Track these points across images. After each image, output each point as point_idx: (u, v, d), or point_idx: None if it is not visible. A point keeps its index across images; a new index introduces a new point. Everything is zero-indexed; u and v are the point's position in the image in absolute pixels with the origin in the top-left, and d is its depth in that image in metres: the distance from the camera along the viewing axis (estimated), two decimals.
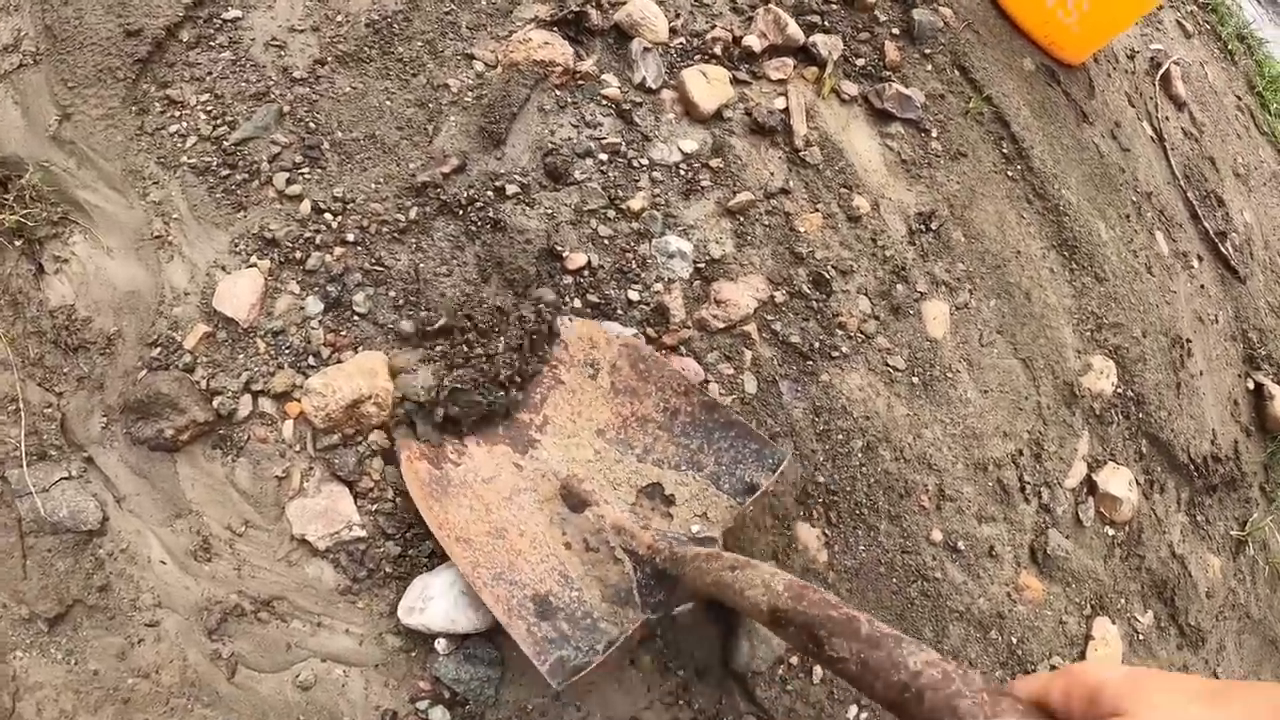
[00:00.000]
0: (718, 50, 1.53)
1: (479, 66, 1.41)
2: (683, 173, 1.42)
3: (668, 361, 1.23)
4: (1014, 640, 1.46)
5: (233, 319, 1.17)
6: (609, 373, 1.22)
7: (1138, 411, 1.79)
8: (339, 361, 1.18)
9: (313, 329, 1.20)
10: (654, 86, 1.45)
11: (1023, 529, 1.53)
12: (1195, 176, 2.40)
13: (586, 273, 1.30)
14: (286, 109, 1.30)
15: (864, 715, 1.26)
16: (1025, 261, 1.72)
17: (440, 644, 1.07)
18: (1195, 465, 1.91)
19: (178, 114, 1.28)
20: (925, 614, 1.36)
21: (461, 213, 1.30)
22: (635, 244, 1.35)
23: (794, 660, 1.23)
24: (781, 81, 1.56)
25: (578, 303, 1.30)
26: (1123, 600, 1.66)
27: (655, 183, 1.40)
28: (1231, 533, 2.00)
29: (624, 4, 1.49)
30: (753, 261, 1.41)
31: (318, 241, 1.24)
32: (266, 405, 1.15)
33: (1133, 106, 2.29)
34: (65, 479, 1.12)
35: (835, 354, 1.40)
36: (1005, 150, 1.81)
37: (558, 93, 1.41)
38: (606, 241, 1.33)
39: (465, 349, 1.18)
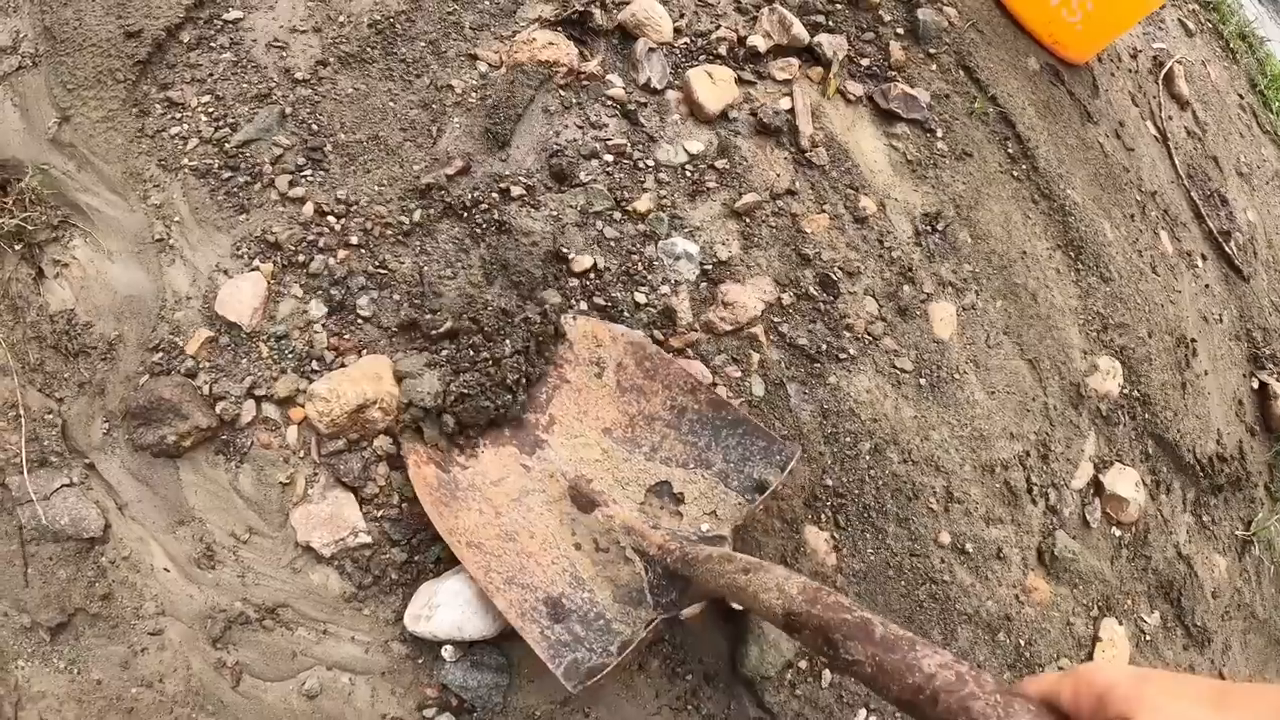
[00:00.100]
0: (722, 50, 1.52)
1: (483, 67, 1.40)
2: (688, 174, 1.41)
3: (673, 359, 1.22)
4: (1022, 642, 1.45)
5: (235, 323, 1.16)
6: (615, 371, 1.21)
7: (1144, 412, 1.79)
8: (343, 366, 1.16)
9: (316, 333, 1.18)
10: (659, 87, 1.44)
11: (1030, 530, 1.52)
12: (1199, 176, 2.39)
13: (593, 275, 1.29)
14: (288, 110, 1.29)
15: (872, 719, 1.25)
16: (1031, 262, 1.71)
17: (447, 651, 1.06)
18: (1201, 465, 1.90)
19: (178, 116, 1.27)
20: (934, 617, 1.35)
21: (466, 215, 1.29)
22: (641, 246, 1.34)
23: (803, 664, 1.22)
24: (787, 82, 1.55)
25: (584, 305, 1.29)
26: (1129, 601, 1.66)
27: (661, 184, 1.39)
28: (1237, 533, 2.00)
29: (628, 4, 1.48)
30: (759, 263, 1.40)
31: (321, 244, 1.22)
32: (270, 411, 1.14)
33: (1136, 106, 2.29)
34: (66, 486, 1.10)
35: (842, 356, 1.39)
36: (1010, 150, 1.80)
37: (562, 93, 1.40)
38: (612, 243, 1.32)
39: (471, 353, 1.17)
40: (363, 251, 1.24)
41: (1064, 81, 2.03)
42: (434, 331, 1.18)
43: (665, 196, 1.38)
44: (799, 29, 1.56)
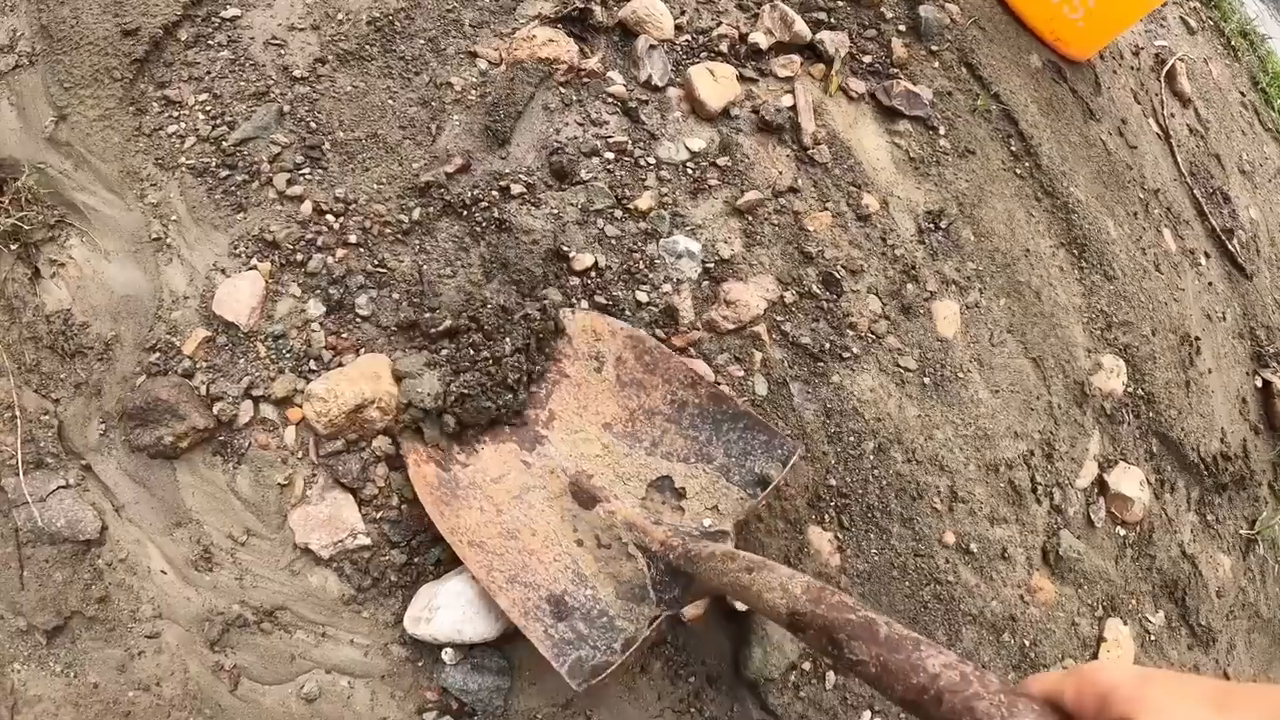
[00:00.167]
0: (724, 47, 1.51)
1: (483, 64, 1.39)
2: (690, 171, 1.40)
3: (673, 353, 1.21)
4: (1026, 643, 1.44)
5: (233, 323, 1.15)
6: (614, 365, 1.20)
7: (1148, 410, 1.78)
8: (340, 365, 1.15)
9: (314, 332, 1.17)
10: (660, 84, 1.43)
11: (1035, 530, 1.51)
12: (1201, 173, 2.38)
13: (594, 274, 1.28)
14: (287, 108, 1.28)
15: None
16: (1035, 260, 1.70)
17: (447, 654, 1.05)
18: (1205, 464, 1.90)
19: (176, 114, 1.26)
20: (938, 618, 1.34)
21: (466, 213, 1.28)
22: (643, 244, 1.32)
23: (806, 666, 1.21)
24: (788, 79, 1.54)
25: (585, 304, 1.28)
26: (1134, 601, 1.65)
27: (662, 182, 1.38)
28: (1241, 532, 1.99)
29: (629, 1, 1.46)
30: (762, 261, 1.39)
31: (319, 243, 1.21)
32: (268, 411, 1.13)
33: (1138, 103, 2.28)
34: (63, 487, 1.10)
35: (846, 355, 1.38)
36: (1013, 148, 1.79)
37: (563, 91, 1.39)
38: (614, 242, 1.31)
39: (471, 352, 1.16)
40: (361, 250, 1.23)
41: (1066, 79, 2.02)
42: (433, 330, 1.17)
43: (667, 194, 1.37)
44: (801, 26, 1.55)
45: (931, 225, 1.57)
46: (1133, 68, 2.36)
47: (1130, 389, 1.75)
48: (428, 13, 1.40)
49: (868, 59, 1.67)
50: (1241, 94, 2.97)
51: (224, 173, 1.23)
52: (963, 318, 1.54)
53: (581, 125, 1.38)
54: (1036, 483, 1.52)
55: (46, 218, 1.20)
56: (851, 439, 1.33)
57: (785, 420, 1.30)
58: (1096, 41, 2.06)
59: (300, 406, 1.12)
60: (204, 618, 1.07)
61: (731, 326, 1.31)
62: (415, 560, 1.11)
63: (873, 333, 1.42)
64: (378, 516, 1.11)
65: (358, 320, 1.20)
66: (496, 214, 1.28)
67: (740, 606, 1.16)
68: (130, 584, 1.08)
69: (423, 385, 1.13)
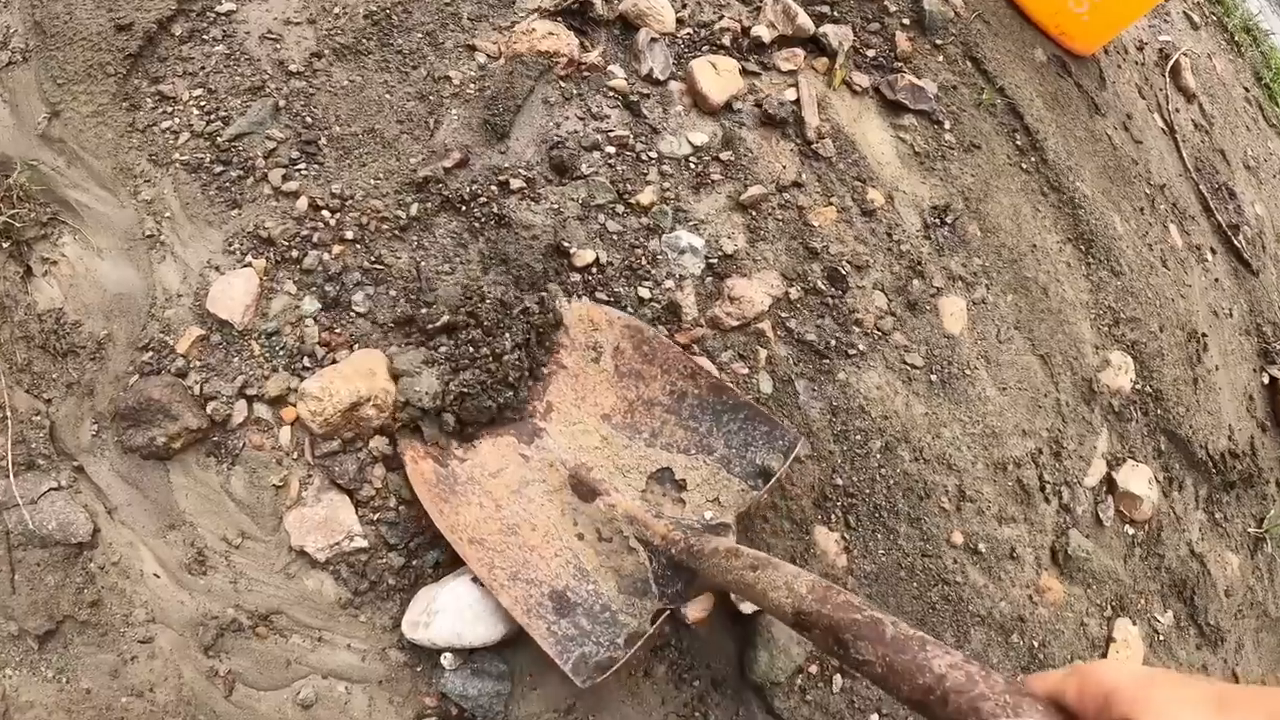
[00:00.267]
0: (726, 41, 1.49)
1: (481, 58, 1.37)
2: (692, 166, 1.38)
3: (671, 343, 1.20)
4: (1035, 644, 1.42)
5: (227, 321, 1.13)
6: (612, 356, 1.19)
7: (1156, 408, 1.75)
8: (334, 361, 1.13)
9: (307, 327, 1.15)
10: (661, 78, 1.41)
11: (1043, 530, 1.49)
12: (1206, 169, 2.36)
13: (595, 270, 1.26)
14: (282, 103, 1.26)
15: None
16: (1042, 255, 1.68)
17: (447, 658, 1.03)
18: (1213, 462, 1.88)
19: (170, 110, 1.25)
20: (946, 619, 1.32)
21: (464, 209, 1.26)
22: (645, 240, 1.30)
23: (813, 670, 1.19)
24: (792, 72, 1.52)
25: (587, 301, 1.26)
26: (1143, 600, 1.63)
27: (665, 176, 1.36)
28: (1249, 530, 1.97)
29: None
30: (766, 257, 1.36)
31: (315, 240, 1.19)
32: (262, 411, 1.11)
33: (1143, 98, 2.26)
34: (54, 489, 1.08)
35: (852, 352, 1.35)
36: (1019, 142, 1.77)
37: (563, 84, 1.37)
38: (615, 237, 1.29)
39: (471, 349, 1.14)
40: (358, 247, 1.21)
41: (1071, 73, 2.00)
42: (430, 326, 1.15)
43: (669, 189, 1.35)
44: (804, 19, 1.53)
45: (937, 220, 1.55)
46: (1137, 62, 2.34)
47: (1138, 386, 1.73)
48: (425, 6, 1.38)
49: (871, 53, 1.65)
50: (1245, 89, 2.95)
51: (218, 168, 1.21)
52: (969, 314, 1.52)
53: (582, 119, 1.36)
54: (1045, 481, 1.50)
55: (39, 215, 1.18)
56: (858, 437, 1.31)
57: (791, 419, 1.28)
58: (1101, 36, 2.04)
59: (294, 405, 1.10)
60: (198, 622, 1.05)
61: (735, 323, 1.29)
62: (413, 563, 1.09)
63: (879, 329, 1.40)
64: (375, 518, 1.09)
65: (353, 317, 1.17)
66: (496, 209, 1.26)
67: (745, 608, 1.15)
68: (123, 588, 1.06)
69: (420, 384, 1.10)
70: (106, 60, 1.24)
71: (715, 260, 1.32)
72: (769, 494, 1.18)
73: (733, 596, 1.14)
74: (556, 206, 1.29)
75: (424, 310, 1.17)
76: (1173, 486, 1.76)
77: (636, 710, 1.09)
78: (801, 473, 1.25)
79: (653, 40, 1.43)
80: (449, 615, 1.01)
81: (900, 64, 1.65)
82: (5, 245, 1.15)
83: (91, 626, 1.05)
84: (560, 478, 1.13)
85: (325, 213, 1.21)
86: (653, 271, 1.29)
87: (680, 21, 1.49)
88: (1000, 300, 1.57)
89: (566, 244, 1.26)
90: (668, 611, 1.03)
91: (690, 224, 1.34)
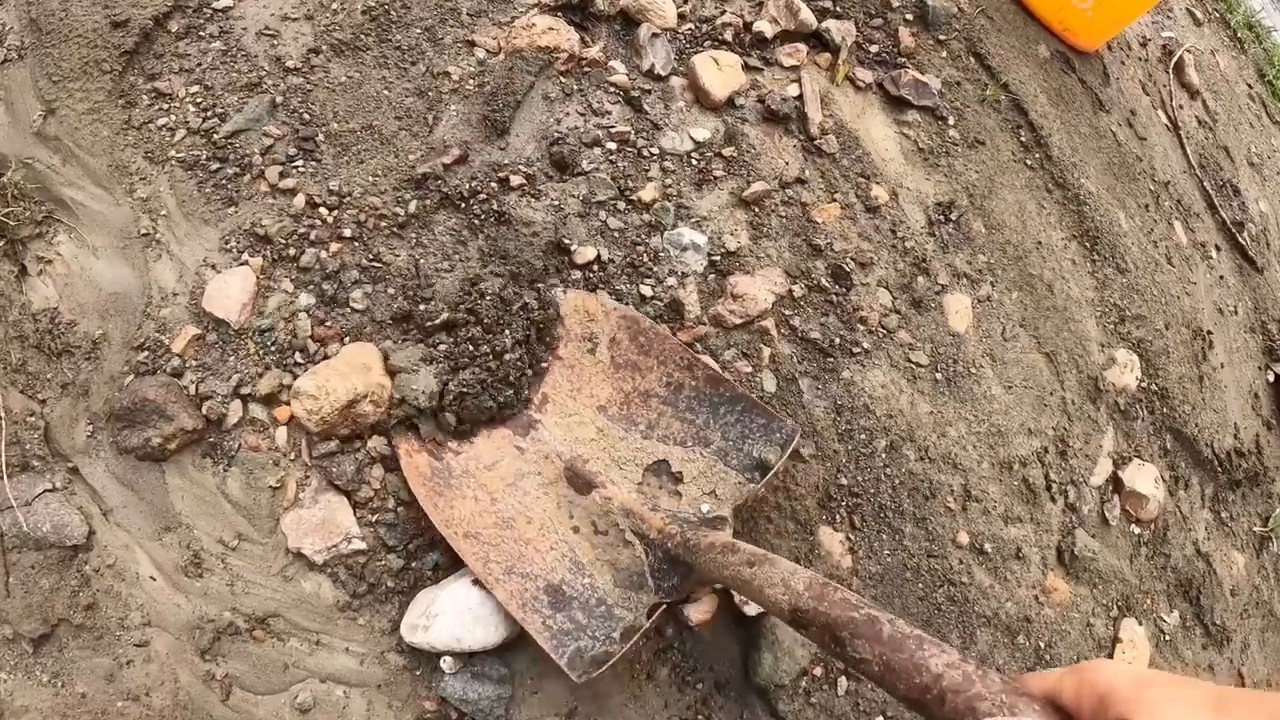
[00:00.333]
0: (728, 36, 1.48)
1: (480, 53, 1.35)
2: (695, 162, 1.36)
3: (668, 334, 1.18)
4: (1041, 644, 1.41)
5: (223, 320, 1.12)
6: (608, 347, 1.17)
7: (1162, 406, 1.74)
8: (326, 357, 1.11)
9: (299, 321, 1.13)
10: (663, 73, 1.39)
11: (1049, 529, 1.47)
12: (1210, 166, 2.35)
13: (596, 267, 1.25)
14: (279, 100, 1.25)
15: None
16: (1047, 252, 1.66)
17: (446, 662, 1.01)
18: (1219, 460, 1.86)
19: (166, 107, 1.23)
20: (952, 620, 1.31)
21: (464, 205, 1.24)
22: (647, 237, 1.29)
23: (818, 672, 1.17)
24: (794, 68, 1.51)
25: (582, 291, 1.24)
26: (1149, 600, 1.61)
27: (666, 173, 1.34)
28: (1255, 529, 1.95)
29: None
30: (769, 254, 1.35)
31: (313, 237, 1.18)
32: (258, 411, 1.10)
33: (1147, 94, 2.24)
34: (49, 491, 1.06)
35: (856, 350, 1.34)
36: (1023, 138, 1.75)
37: (563, 80, 1.35)
38: (617, 234, 1.28)
39: (471, 347, 1.13)
40: (356, 244, 1.19)
41: (1075, 69, 1.98)
42: (430, 324, 1.14)
43: (671, 186, 1.34)
44: (807, 14, 1.52)
45: (942, 217, 1.54)
46: (1140, 59, 2.33)
47: (1144, 384, 1.71)
48: (424, 1, 1.36)
49: (875, 48, 1.63)
50: (1249, 86, 2.94)
51: (215, 166, 1.20)
52: (974, 311, 1.50)
53: (583, 115, 1.34)
54: (1051, 480, 1.49)
55: (34, 214, 1.17)
56: (863, 437, 1.30)
57: (795, 417, 1.26)
58: (1105, 32, 2.03)
59: (288, 404, 1.08)
60: (194, 625, 1.04)
61: (739, 321, 1.28)
62: (412, 565, 1.07)
63: (883, 327, 1.38)
64: (373, 520, 1.07)
65: (349, 313, 1.16)
66: (495, 206, 1.24)
67: (750, 610, 1.13)
68: (118, 591, 1.04)
69: (418, 382, 1.09)
70: (102, 57, 1.23)
71: (718, 257, 1.31)
72: (767, 488, 1.16)
73: (736, 598, 1.13)
74: (557, 203, 1.27)
75: (422, 307, 1.15)
76: (1179, 485, 1.74)
77: (639, 713, 1.08)
78: (806, 472, 1.23)
79: (654, 35, 1.41)
80: (448, 618, 0.99)
81: (903, 59, 1.64)
82: (0, 244, 1.14)
83: (87, 630, 1.03)
84: (556, 470, 1.12)
85: (323, 210, 1.20)
86: (655, 269, 1.28)
87: (682, 16, 1.48)
88: (1005, 298, 1.56)
89: (567, 241, 1.25)
90: (664, 606, 1.02)
91: (692, 221, 1.33)
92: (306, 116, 1.25)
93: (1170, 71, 2.41)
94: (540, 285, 1.21)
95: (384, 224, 1.21)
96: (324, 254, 1.17)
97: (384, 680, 1.04)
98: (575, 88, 1.36)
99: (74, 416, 1.10)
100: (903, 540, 1.29)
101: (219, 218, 1.18)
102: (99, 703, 1.01)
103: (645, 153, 1.34)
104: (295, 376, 1.09)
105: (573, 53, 1.36)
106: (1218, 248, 2.18)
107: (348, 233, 1.19)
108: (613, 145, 1.33)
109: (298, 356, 1.11)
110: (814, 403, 1.28)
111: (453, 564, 1.06)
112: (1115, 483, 1.60)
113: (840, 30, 1.55)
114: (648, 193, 1.31)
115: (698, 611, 1.10)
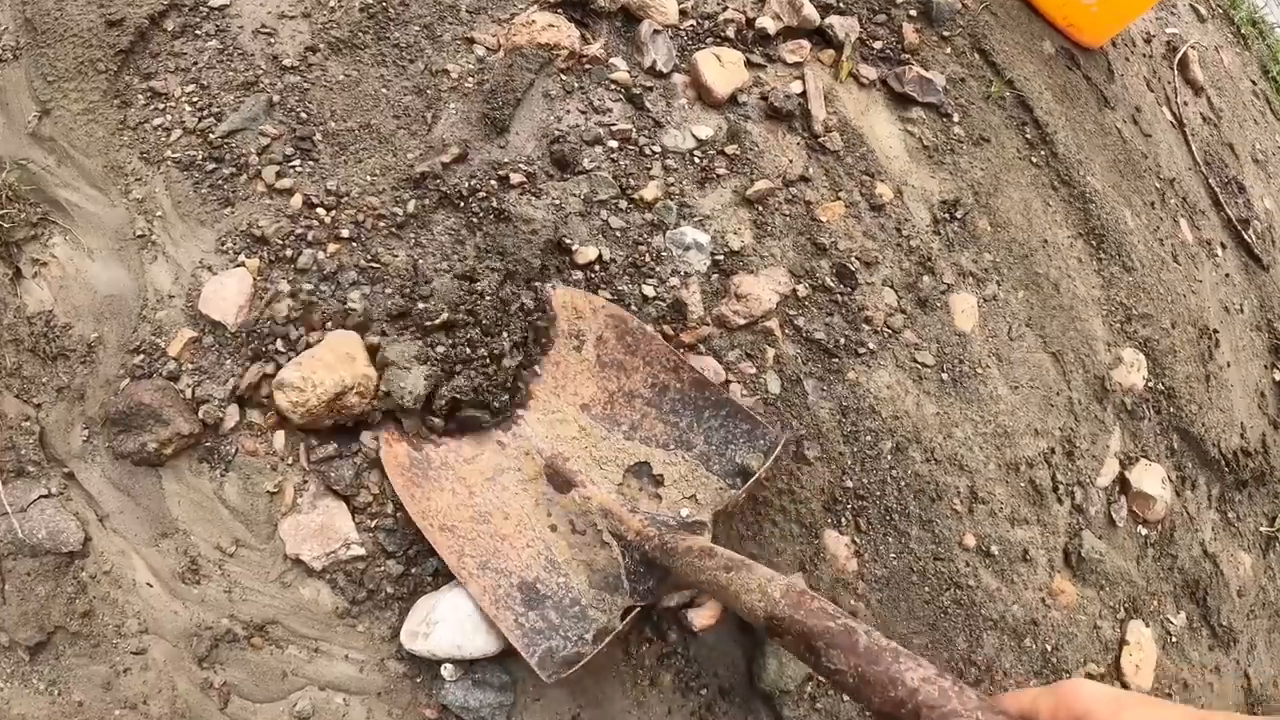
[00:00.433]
0: (730, 32, 1.46)
1: (480, 51, 1.34)
2: (697, 160, 1.35)
3: (656, 334, 1.17)
4: (1048, 647, 1.39)
5: (220, 322, 1.10)
6: (594, 345, 1.16)
7: (1168, 406, 1.72)
8: (308, 345, 1.09)
9: (276, 304, 1.10)
10: (665, 70, 1.38)
11: (1056, 531, 1.46)
12: (1216, 163, 2.33)
13: (598, 267, 1.23)
14: (276, 99, 1.23)
15: None
16: (1053, 251, 1.65)
17: (447, 669, 1.00)
18: (1225, 460, 1.85)
19: (162, 106, 1.22)
20: (958, 623, 1.29)
21: (463, 204, 1.23)
22: (649, 236, 1.27)
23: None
24: (798, 65, 1.49)
25: (571, 288, 1.22)
26: (1155, 602, 1.60)
27: (668, 171, 1.33)
28: (1261, 529, 1.94)
29: None
30: (773, 253, 1.33)
31: (310, 238, 1.17)
32: (254, 415, 1.08)
33: (1151, 91, 2.22)
34: (44, 496, 1.05)
35: (861, 350, 1.33)
36: (1029, 135, 1.74)
37: (564, 77, 1.34)
38: (618, 234, 1.26)
39: (468, 349, 1.11)
40: (354, 245, 1.18)
41: (1080, 66, 1.97)
42: (429, 324, 1.12)
43: (673, 184, 1.32)
44: (809, 10, 1.50)
45: (947, 215, 1.52)
46: (1145, 55, 2.31)
47: (1150, 384, 1.70)
48: None
49: (878, 44, 1.62)
50: (1253, 83, 2.92)
51: (211, 166, 1.19)
52: (980, 311, 1.49)
53: (584, 113, 1.33)
54: (1058, 481, 1.47)
55: (29, 216, 1.16)
56: (868, 438, 1.28)
57: (799, 419, 1.25)
58: (1109, 28, 2.01)
59: (270, 398, 1.06)
60: (192, 633, 1.02)
61: (742, 321, 1.26)
62: (412, 571, 1.06)
63: (889, 327, 1.37)
64: (372, 525, 1.06)
65: (346, 312, 1.14)
66: (495, 205, 1.23)
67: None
68: (115, 597, 1.03)
69: (407, 381, 1.07)
70: (97, 57, 1.22)
71: (721, 257, 1.29)
72: (748, 494, 1.15)
73: None
74: (558, 202, 1.26)
75: (421, 305, 1.13)
76: (1185, 486, 1.73)
77: (642, 719, 1.07)
78: (811, 475, 1.22)
79: (655, 32, 1.40)
80: (449, 625, 0.98)
81: (908, 56, 1.62)
82: None
83: (83, 637, 1.02)
84: (536, 467, 1.11)
85: (320, 210, 1.18)
86: (657, 269, 1.26)
87: (683, 13, 1.46)
88: (1011, 297, 1.54)
89: (568, 240, 1.23)
90: (638, 609, 1.00)
91: (695, 220, 1.31)
92: (304, 116, 1.24)
93: (1175, 68, 2.39)
94: (538, 285, 1.20)
95: (382, 224, 1.20)
96: (321, 255, 1.16)
97: (384, 688, 1.02)
98: (576, 85, 1.34)
99: (69, 421, 1.08)
100: (909, 543, 1.27)
101: (215, 219, 1.17)
102: (96, 711, 1.00)
103: (647, 151, 1.33)
104: (279, 365, 1.07)
105: (573, 50, 1.34)
106: (1223, 245, 2.16)
107: (345, 233, 1.18)
108: (614, 143, 1.31)
109: (279, 344, 1.09)
110: (819, 404, 1.26)
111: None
112: (1122, 483, 1.58)
113: (844, 26, 1.54)
114: (650, 191, 1.29)
115: (701, 616, 1.09)
